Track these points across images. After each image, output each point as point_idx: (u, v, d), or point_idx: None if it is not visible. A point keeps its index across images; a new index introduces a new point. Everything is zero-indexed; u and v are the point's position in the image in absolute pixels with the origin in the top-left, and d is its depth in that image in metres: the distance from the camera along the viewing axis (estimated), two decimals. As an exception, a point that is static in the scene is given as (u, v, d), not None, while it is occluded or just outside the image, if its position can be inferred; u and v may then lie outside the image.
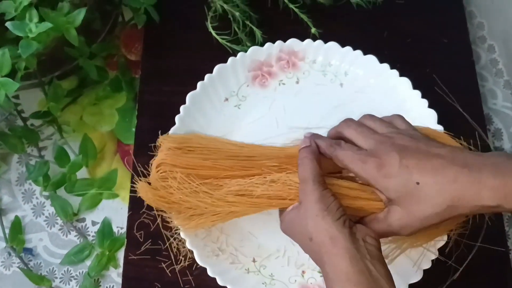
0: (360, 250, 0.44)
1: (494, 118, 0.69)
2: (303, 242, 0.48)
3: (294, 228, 0.48)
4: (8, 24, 0.53)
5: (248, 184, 0.52)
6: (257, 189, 0.51)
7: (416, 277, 0.55)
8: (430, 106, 0.61)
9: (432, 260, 0.56)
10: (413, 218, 0.46)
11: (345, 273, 0.42)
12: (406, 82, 0.62)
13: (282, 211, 0.53)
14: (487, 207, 0.43)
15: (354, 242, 0.44)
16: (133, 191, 0.61)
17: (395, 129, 0.52)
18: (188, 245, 0.55)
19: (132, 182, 0.61)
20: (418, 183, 0.45)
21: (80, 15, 0.55)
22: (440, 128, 0.60)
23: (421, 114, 0.62)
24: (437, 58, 0.71)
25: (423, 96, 0.61)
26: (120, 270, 0.59)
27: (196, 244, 0.56)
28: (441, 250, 0.56)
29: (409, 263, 0.56)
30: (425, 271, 0.55)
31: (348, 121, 0.55)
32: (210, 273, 0.54)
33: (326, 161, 0.53)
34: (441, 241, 0.56)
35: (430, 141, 0.50)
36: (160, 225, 0.59)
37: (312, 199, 0.46)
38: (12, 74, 0.55)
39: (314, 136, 0.55)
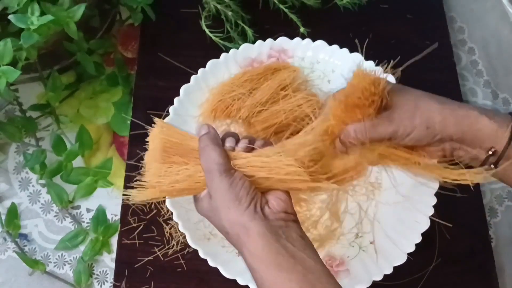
0: (274, 231, 0.43)
1: (475, 115, 0.72)
2: (222, 233, 0.46)
3: (210, 219, 0.47)
4: (11, 17, 0.56)
5: None
6: None
7: (400, 260, 0.57)
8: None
9: (416, 245, 0.58)
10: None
11: (263, 259, 0.42)
12: (390, 79, 0.66)
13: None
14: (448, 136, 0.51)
15: (267, 226, 0.43)
16: (127, 177, 0.63)
17: None
18: (180, 228, 0.57)
19: (126, 170, 0.63)
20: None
21: (80, 10, 0.58)
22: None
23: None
24: (420, 59, 0.74)
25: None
26: (113, 255, 0.60)
27: (189, 227, 0.57)
28: (425, 237, 0.58)
29: (393, 247, 0.58)
30: (409, 255, 0.57)
31: None
32: (201, 254, 0.56)
33: None
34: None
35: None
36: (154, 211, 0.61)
37: (220, 191, 0.44)
38: (13, 65, 0.57)
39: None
